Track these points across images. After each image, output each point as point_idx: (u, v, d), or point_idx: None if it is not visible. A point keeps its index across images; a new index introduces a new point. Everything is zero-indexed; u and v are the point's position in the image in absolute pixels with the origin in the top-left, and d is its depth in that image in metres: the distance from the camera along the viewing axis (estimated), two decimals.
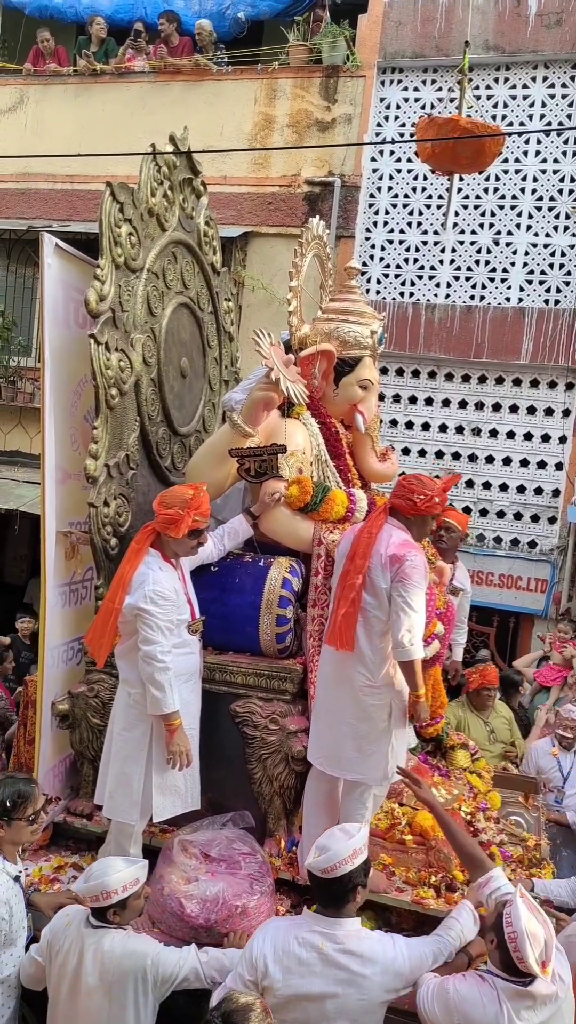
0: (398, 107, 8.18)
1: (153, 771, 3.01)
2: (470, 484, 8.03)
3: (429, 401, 8.16)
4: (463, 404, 8.07)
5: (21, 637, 6.79)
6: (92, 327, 3.37)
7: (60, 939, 2.56)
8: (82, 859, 3.44)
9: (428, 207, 8.12)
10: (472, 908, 2.68)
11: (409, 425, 8.21)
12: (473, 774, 3.93)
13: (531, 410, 7.89)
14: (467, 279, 8.02)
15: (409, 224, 8.17)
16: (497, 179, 7.90)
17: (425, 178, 8.05)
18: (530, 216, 7.85)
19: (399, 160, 8.18)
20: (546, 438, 7.86)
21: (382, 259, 8.24)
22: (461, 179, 7.56)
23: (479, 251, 7.98)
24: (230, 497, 3.81)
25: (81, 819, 3.50)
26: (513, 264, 7.89)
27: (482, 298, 7.96)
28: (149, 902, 3.04)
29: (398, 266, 8.20)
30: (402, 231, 8.19)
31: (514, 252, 7.90)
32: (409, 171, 8.13)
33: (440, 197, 7.99)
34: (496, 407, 7.98)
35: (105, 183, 3.51)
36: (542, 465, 7.87)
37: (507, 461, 7.96)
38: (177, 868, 3.00)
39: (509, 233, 7.91)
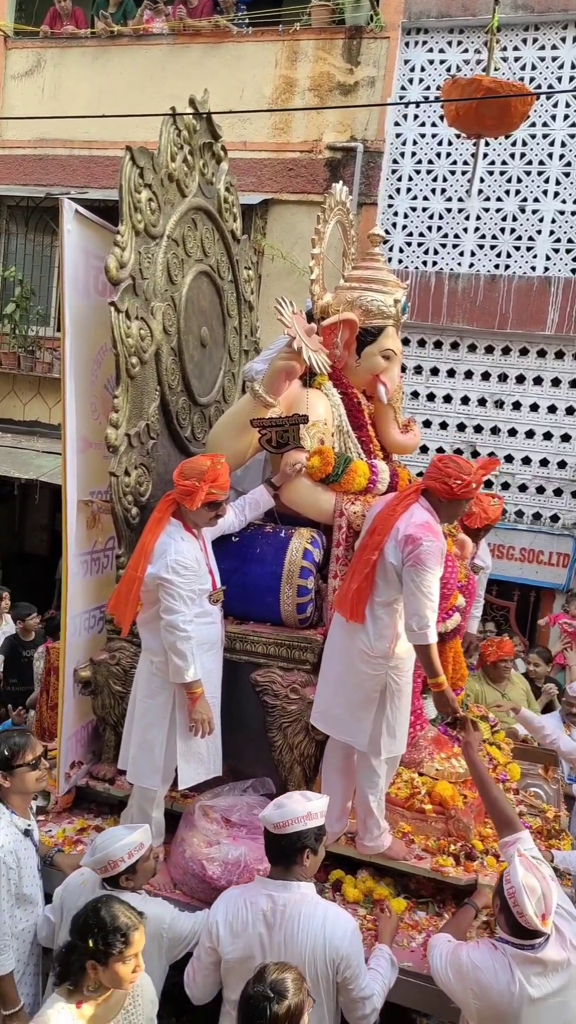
0: (423, 69, 7.97)
1: (177, 738, 3.04)
2: (492, 456, 7.94)
3: (452, 373, 8.05)
4: (486, 376, 7.96)
5: (22, 633, 6.14)
6: (112, 294, 3.34)
7: (74, 897, 2.61)
8: (104, 822, 3.50)
9: (452, 173, 7.94)
10: (389, 952, 2.66)
11: (431, 397, 8.12)
12: (493, 746, 3.94)
13: (555, 382, 7.77)
14: (492, 247, 7.86)
15: (433, 191, 8.01)
16: (524, 144, 7.70)
17: (450, 143, 7.86)
18: (558, 182, 7.66)
19: (423, 125, 7.99)
20: (570, 411, 7.75)
21: (405, 227, 8.10)
22: (487, 144, 7.38)
23: (504, 219, 7.81)
24: (250, 468, 3.79)
25: (103, 783, 3.55)
26: (539, 232, 7.72)
27: (507, 267, 7.81)
28: (171, 864, 3.10)
29: (421, 234, 8.06)
30: (426, 198, 8.03)
31: (540, 220, 7.72)
32: (433, 136, 7.95)
33: (465, 163, 7.81)
34: (520, 379, 7.87)
35: (125, 147, 3.46)
36: (566, 438, 7.77)
37: (530, 434, 7.87)
38: (199, 832, 3.05)
39: (536, 200, 7.72)
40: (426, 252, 8.04)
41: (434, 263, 8.01)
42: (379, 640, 2.97)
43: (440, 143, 7.94)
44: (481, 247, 7.89)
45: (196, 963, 2.56)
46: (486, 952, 2.39)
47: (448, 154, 7.93)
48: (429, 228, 8.03)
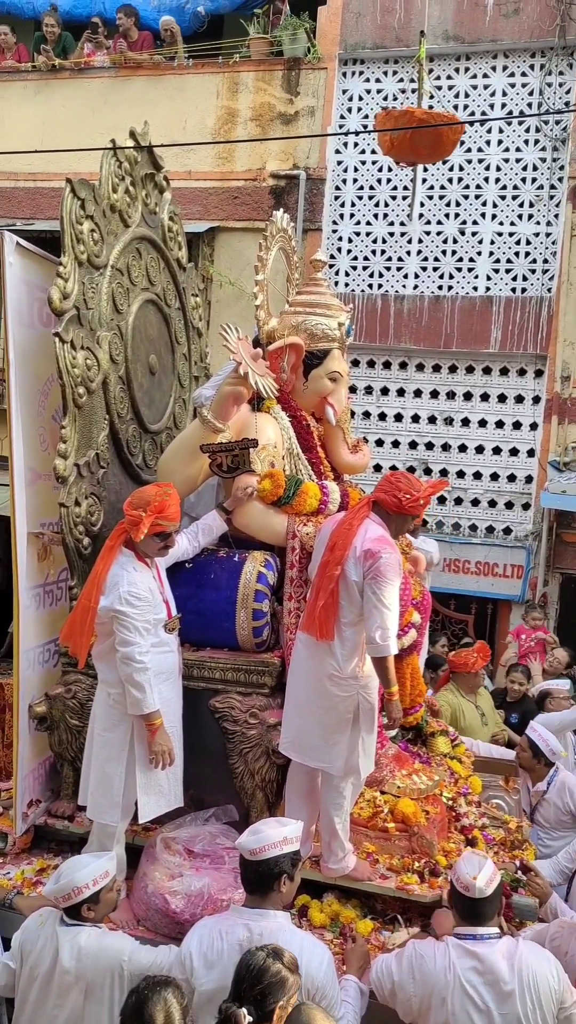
0: (360, 99, 8.19)
1: (137, 771, 2.99)
2: (444, 473, 8.08)
3: (401, 392, 8.20)
4: (435, 394, 8.12)
5: None
6: (56, 325, 3.34)
7: (33, 939, 2.54)
8: (64, 861, 3.42)
9: (394, 198, 8.14)
10: (355, 983, 2.66)
11: (382, 416, 8.24)
12: (454, 759, 3.96)
13: (502, 398, 7.96)
14: (435, 269, 8.06)
15: (376, 216, 8.19)
16: (461, 168, 7.94)
17: (390, 169, 8.06)
18: (495, 205, 7.91)
19: (363, 152, 8.19)
20: (517, 425, 7.93)
21: (349, 251, 8.26)
22: (425, 169, 7.60)
23: (445, 241, 8.02)
24: (203, 494, 3.80)
25: (62, 821, 3.48)
26: (480, 253, 7.95)
27: (450, 288, 8.01)
28: (134, 899, 3.04)
29: (366, 258, 8.22)
30: (369, 223, 8.21)
31: (480, 241, 7.95)
32: (374, 163, 8.15)
33: (405, 188, 8.01)
34: (467, 396, 8.04)
35: (66, 180, 3.48)
36: (514, 452, 7.95)
37: (480, 449, 8.03)
38: (160, 865, 3.01)
39: (475, 222, 7.96)
40: (371, 275, 8.21)
41: (379, 286, 8.17)
42: (347, 660, 2.98)
43: (380, 169, 8.14)
44: (424, 269, 8.09)
45: None
46: (429, 943, 2.52)
47: (389, 180, 8.14)
48: (373, 252, 8.20)
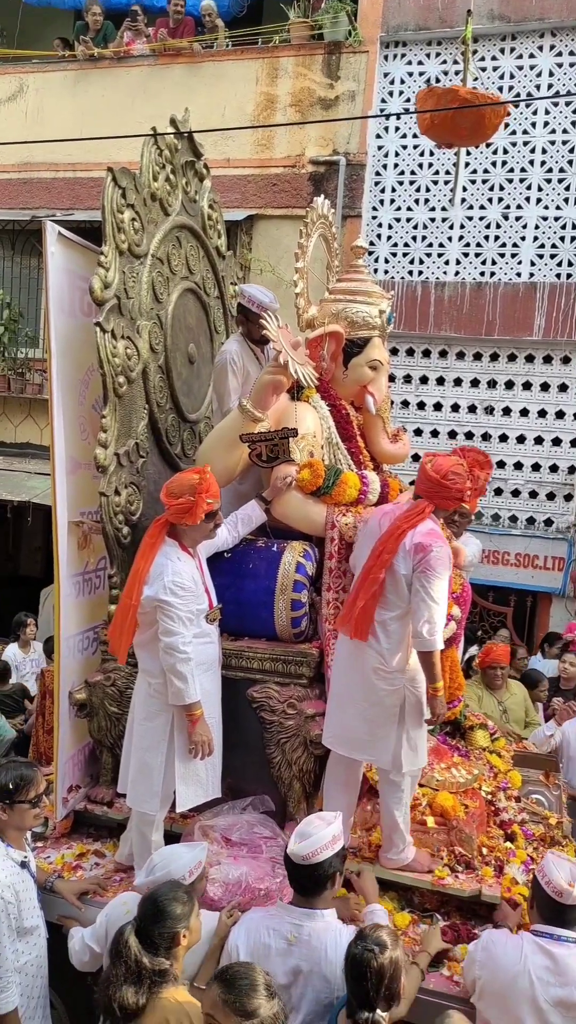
0: (402, 82, 8.04)
1: (176, 760, 3.00)
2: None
3: (441, 380, 8.08)
4: (475, 383, 7.99)
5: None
6: (98, 315, 3.34)
7: (117, 926, 2.56)
8: (103, 846, 3.47)
9: (435, 183, 8.00)
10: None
11: (421, 405, 8.14)
12: (493, 753, 3.91)
13: (544, 387, 7.80)
14: (476, 255, 7.91)
15: (416, 201, 8.06)
16: (505, 152, 7.76)
17: (432, 154, 7.92)
18: (540, 189, 7.72)
19: (404, 136, 8.05)
20: (560, 415, 7.77)
21: (389, 238, 8.14)
22: (468, 153, 7.43)
23: (488, 226, 7.86)
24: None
25: (101, 807, 3.52)
26: (523, 239, 7.77)
27: (492, 274, 7.85)
28: None
29: (406, 244, 8.10)
30: (409, 208, 8.08)
31: (524, 226, 7.77)
32: (415, 147, 8.01)
33: (447, 173, 7.86)
34: (509, 385, 7.90)
35: (107, 168, 3.47)
36: (557, 442, 7.79)
37: (521, 439, 7.88)
38: None
39: (519, 207, 7.78)
40: (411, 262, 8.09)
41: (420, 272, 8.05)
42: (392, 654, 2.95)
43: (422, 154, 8.00)
44: (466, 255, 7.94)
45: None
46: (503, 933, 2.53)
47: (430, 164, 8.00)
48: (414, 238, 8.08)
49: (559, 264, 7.68)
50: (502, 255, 7.83)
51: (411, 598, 2.89)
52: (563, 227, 7.67)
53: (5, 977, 2.62)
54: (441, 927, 2.92)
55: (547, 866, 2.45)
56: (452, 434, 8.06)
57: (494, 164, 7.81)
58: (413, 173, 8.05)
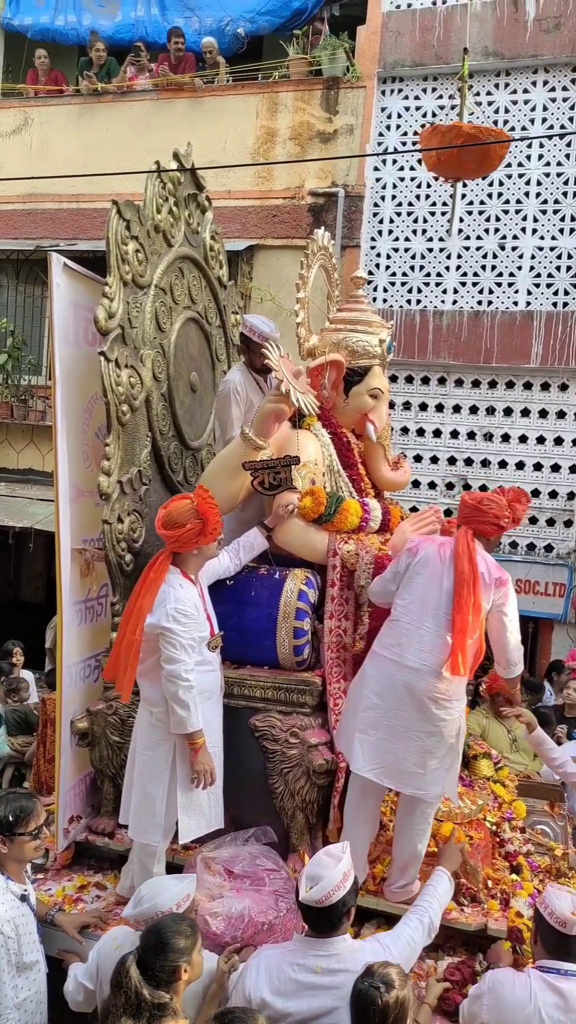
0: (399, 116, 8.21)
1: (178, 791, 2.97)
2: (484, 489, 7.98)
3: (440, 407, 8.14)
4: (474, 409, 8.04)
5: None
6: (102, 344, 3.38)
7: (109, 964, 2.52)
8: (104, 878, 3.42)
9: (432, 214, 8.13)
10: (447, 874, 2.75)
11: (420, 432, 8.19)
12: (497, 783, 3.88)
13: (543, 413, 7.86)
14: (474, 284, 8.01)
15: (414, 232, 8.18)
16: (501, 184, 7.90)
17: (428, 185, 8.06)
18: (535, 219, 7.84)
19: (402, 169, 8.20)
20: (559, 441, 7.81)
21: (388, 267, 8.25)
22: (465, 185, 7.56)
23: (485, 256, 7.97)
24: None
25: (103, 838, 3.48)
26: (520, 268, 7.88)
27: (490, 303, 7.94)
28: None
29: (404, 274, 8.21)
30: (407, 239, 8.20)
31: (520, 256, 7.88)
32: (412, 179, 8.15)
33: (444, 204, 8.00)
34: (507, 411, 7.95)
35: (111, 201, 3.54)
36: (556, 468, 7.83)
37: (520, 465, 7.92)
38: (201, 886, 2.97)
39: (515, 237, 7.90)
40: (410, 291, 8.19)
41: (418, 301, 8.15)
42: (450, 682, 2.91)
43: (419, 185, 8.13)
44: (464, 284, 8.04)
45: None
46: (509, 972, 2.45)
47: (427, 196, 8.13)
48: (412, 268, 8.18)
49: (555, 293, 7.78)
50: (499, 284, 7.93)
51: (492, 629, 3.00)
52: (558, 256, 7.78)
53: (5, 1015, 2.57)
54: (448, 968, 2.86)
55: (548, 898, 2.43)
56: (451, 460, 8.09)
57: (490, 195, 7.94)
58: (411, 204, 8.18)
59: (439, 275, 8.11)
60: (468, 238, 8.01)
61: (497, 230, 7.93)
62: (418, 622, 2.95)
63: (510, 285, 7.90)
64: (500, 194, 7.92)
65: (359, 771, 2.97)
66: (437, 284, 8.11)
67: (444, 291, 8.09)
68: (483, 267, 7.98)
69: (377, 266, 8.25)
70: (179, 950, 2.19)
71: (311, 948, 2.38)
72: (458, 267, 8.05)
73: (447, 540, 3.11)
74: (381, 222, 8.26)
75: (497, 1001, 2.33)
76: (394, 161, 8.22)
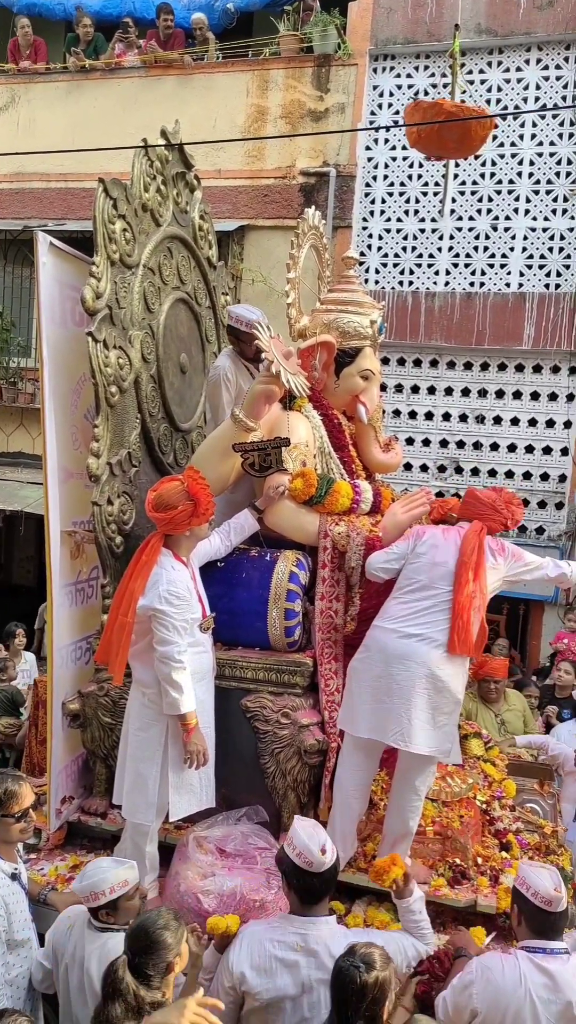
0: (391, 94, 8.12)
1: (170, 771, 2.99)
2: (475, 472, 8.00)
3: (431, 390, 8.12)
4: (466, 392, 8.03)
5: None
6: (89, 325, 3.35)
7: (63, 941, 2.55)
8: (97, 857, 3.43)
9: (425, 194, 8.07)
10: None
11: (413, 415, 8.17)
12: (487, 762, 3.91)
13: (534, 396, 7.85)
14: (466, 266, 7.97)
15: (406, 212, 8.12)
16: (494, 164, 7.84)
17: (421, 165, 8.00)
18: (528, 200, 7.80)
19: (394, 148, 8.12)
20: (551, 423, 7.82)
21: (380, 248, 8.20)
22: (457, 165, 7.51)
23: (477, 237, 7.93)
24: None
25: (95, 818, 3.50)
26: (512, 249, 7.84)
27: (482, 284, 7.91)
28: (166, 898, 3.05)
29: (396, 255, 8.16)
30: (399, 219, 8.14)
31: (513, 237, 7.84)
32: (405, 159, 8.08)
33: (436, 184, 7.94)
34: (499, 394, 7.94)
35: (98, 179, 3.49)
36: (547, 451, 7.84)
37: (512, 448, 7.93)
38: (193, 864, 3.00)
39: (507, 218, 7.85)
40: (402, 272, 8.14)
41: (410, 283, 8.11)
42: (455, 659, 3.00)
43: (411, 165, 8.07)
44: (456, 266, 8.00)
45: None
46: (496, 956, 2.41)
47: (420, 176, 8.06)
48: (404, 249, 8.13)
49: (547, 275, 7.75)
50: (491, 266, 7.90)
51: (522, 573, 3.16)
52: (551, 238, 7.74)
53: None
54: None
55: (528, 877, 2.38)
56: (443, 443, 8.09)
57: (483, 176, 7.89)
58: (403, 184, 8.12)
59: (431, 256, 8.06)
60: (460, 219, 7.96)
61: (490, 211, 7.89)
62: (420, 600, 3.01)
63: (502, 266, 7.87)
64: (493, 174, 7.86)
65: (356, 732, 3.02)
66: (429, 265, 8.07)
67: (436, 272, 8.05)
68: (475, 248, 7.94)
69: (369, 247, 8.20)
70: (168, 946, 2.18)
71: (292, 925, 2.42)
72: (450, 248, 8.01)
73: (452, 528, 3.21)
74: (373, 202, 8.20)
75: (488, 987, 2.30)
76: (386, 140, 8.15)
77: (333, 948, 2.33)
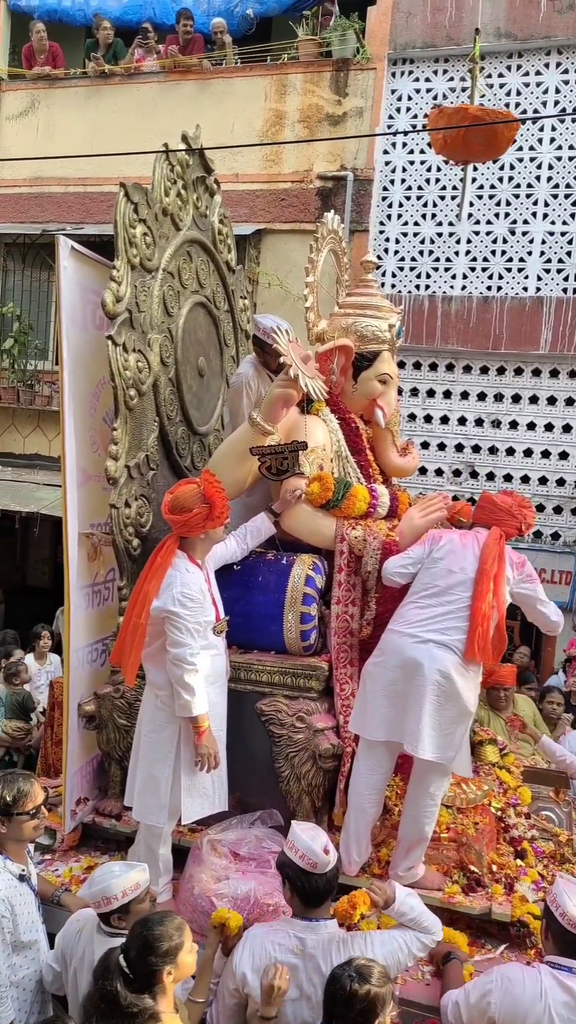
0: (409, 98, 8.11)
1: (182, 773, 2.99)
2: (491, 476, 7.96)
3: (448, 394, 8.10)
4: (482, 396, 8.00)
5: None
6: (109, 328, 3.37)
7: (72, 945, 2.56)
8: (112, 859, 3.44)
9: (442, 198, 8.05)
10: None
11: (428, 419, 8.15)
12: (502, 769, 3.89)
13: (551, 400, 7.81)
14: (483, 270, 7.94)
15: (424, 216, 8.11)
16: (512, 167, 7.81)
17: (439, 169, 7.98)
18: (546, 204, 7.76)
19: (412, 152, 8.11)
20: (567, 428, 7.77)
21: (397, 252, 8.19)
22: (475, 169, 7.49)
23: (495, 241, 7.90)
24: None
25: (110, 819, 3.51)
26: (530, 253, 7.81)
27: (499, 288, 7.88)
28: (180, 901, 3.05)
29: (413, 259, 8.14)
30: (416, 223, 8.13)
31: (531, 241, 7.81)
32: (422, 163, 8.07)
33: (454, 188, 7.92)
34: (516, 398, 7.91)
35: (119, 184, 3.51)
36: (564, 456, 7.79)
37: (528, 452, 7.88)
38: (207, 867, 3.00)
39: (525, 222, 7.82)
40: (419, 276, 8.13)
41: (427, 287, 8.09)
42: (469, 667, 2.99)
43: (429, 169, 8.05)
44: (473, 270, 7.97)
45: (219, 1005, 2.51)
46: (517, 967, 2.39)
47: (437, 179, 8.05)
48: (421, 253, 8.12)
49: (565, 279, 7.71)
50: (509, 270, 7.87)
51: (524, 601, 3.20)
52: (569, 242, 7.70)
53: (1, 992, 2.60)
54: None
55: (560, 896, 2.36)
56: (459, 447, 8.06)
57: (501, 179, 7.86)
58: (420, 188, 8.11)
59: (448, 260, 8.04)
60: (478, 223, 7.93)
61: (507, 214, 7.86)
62: (436, 606, 3.01)
63: (520, 270, 7.84)
64: (511, 178, 7.83)
65: (368, 735, 3.03)
66: (446, 269, 8.05)
67: (453, 276, 8.03)
68: (493, 252, 7.91)
69: (386, 251, 8.19)
70: (161, 954, 2.17)
71: (292, 928, 2.43)
72: (467, 252, 7.98)
73: (469, 533, 3.21)
74: (390, 206, 8.19)
75: (506, 998, 2.28)
76: (403, 144, 8.14)
77: (331, 953, 2.34)
